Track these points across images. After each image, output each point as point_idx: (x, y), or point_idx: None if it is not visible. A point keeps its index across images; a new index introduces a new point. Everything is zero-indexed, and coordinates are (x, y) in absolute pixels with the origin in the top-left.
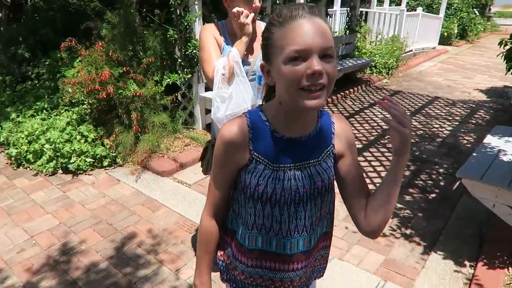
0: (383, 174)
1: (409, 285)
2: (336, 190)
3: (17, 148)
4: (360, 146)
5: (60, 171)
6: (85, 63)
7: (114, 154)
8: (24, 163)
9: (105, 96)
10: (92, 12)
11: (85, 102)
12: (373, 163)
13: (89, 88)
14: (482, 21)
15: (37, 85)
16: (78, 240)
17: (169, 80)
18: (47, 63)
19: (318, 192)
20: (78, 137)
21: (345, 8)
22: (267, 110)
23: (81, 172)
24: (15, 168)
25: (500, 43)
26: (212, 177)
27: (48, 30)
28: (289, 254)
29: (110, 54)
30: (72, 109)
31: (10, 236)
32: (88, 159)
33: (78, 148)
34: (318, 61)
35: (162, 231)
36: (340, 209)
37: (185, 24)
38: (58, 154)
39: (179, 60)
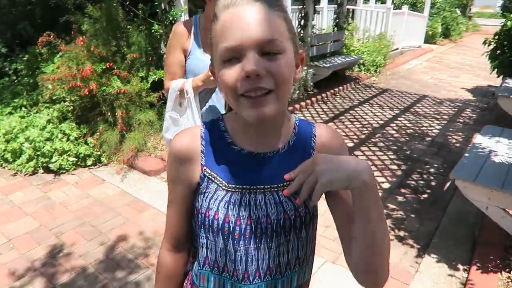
0: (375, 174)
1: None
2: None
3: None
4: (351, 145)
5: (41, 171)
6: (66, 59)
7: (98, 153)
8: (1, 162)
9: (87, 93)
10: (73, 6)
11: (66, 99)
12: None
13: (71, 85)
14: (464, 20)
15: (15, 81)
16: (60, 244)
17: (155, 76)
18: (25, 58)
19: (290, 225)
20: (60, 135)
21: (333, 6)
22: (227, 119)
23: (64, 171)
24: None
25: (484, 43)
26: (168, 198)
27: (26, 25)
28: None
29: (92, 49)
30: (53, 106)
31: None
32: (71, 158)
33: (60, 147)
34: (254, 59)
35: (150, 233)
36: (326, 207)
37: (171, 19)
38: (39, 153)
39: (165, 55)
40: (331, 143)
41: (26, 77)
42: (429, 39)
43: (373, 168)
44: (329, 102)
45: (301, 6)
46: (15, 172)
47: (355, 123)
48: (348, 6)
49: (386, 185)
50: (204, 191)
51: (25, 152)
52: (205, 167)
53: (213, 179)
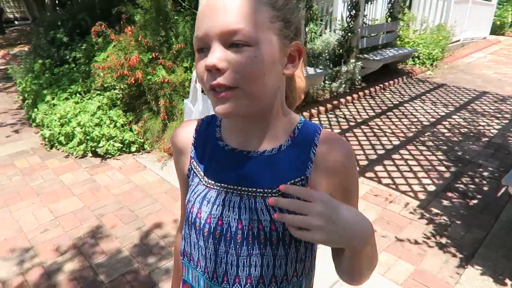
0: (420, 174)
1: None
2: None
3: (50, 130)
4: (397, 142)
5: (90, 154)
6: (115, 48)
7: (142, 140)
8: (56, 144)
9: (133, 82)
10: None
11: (116, 87)
12: (410, 162)
13: (119, 73)
14: None
15: (73, 69)
16: (99, 225)
17: None
18: (83, 47)
19: (265, 238)
20: (108, 121)
21: None
22: None
23: (109, 156)
24: (48, 149)
25: None
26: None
27: (85, 15)
28: None
29: (140, 39)
30: (104, 94)
31: (37, 215)
32: (117, 144)
33: (107, 133)
34: (218, 51)
35: None
36: (366, 207)
37: None
38: (88, 137)
39: None
40: (335, 158)
41: (83, 65)
42: (497, 29)
43: (418, 168)
44: (377, 97)
45: None
46: (67, 155)
47: (403, 119)
48: None
49: (431, 188)
50: (190, 183)
51: (76, 136)
52: (192, 160)
53: (196, 172)
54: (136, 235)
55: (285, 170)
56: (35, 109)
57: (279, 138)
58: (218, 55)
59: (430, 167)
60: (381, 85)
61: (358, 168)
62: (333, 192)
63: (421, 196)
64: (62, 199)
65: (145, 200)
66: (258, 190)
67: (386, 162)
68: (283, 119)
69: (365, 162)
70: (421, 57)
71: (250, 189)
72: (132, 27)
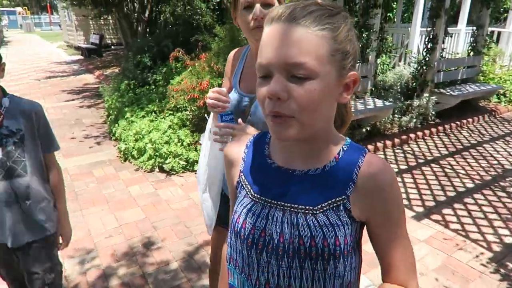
0: (496, 223)
1: None
2: None
3: (126, 144)
4: (471, 185)
5: (157, 170)
6: (189, 73)
7: None
8: (129, 158)
9: (202, 104)
10: (204, 27)
11: (187, 109)
12: (485, 208)
13: (190, 96)
14: None
15: (153, 90)
16: (156, 237)
17: None
18: (163, 71)
19: (304, 252)
20: (176, 140)
21: (471, 28)
22: None
23: (174, 173)
24: (122, 161)
25: None
26: None
27: (168, 42)
28: None
29: (212, 65)
30: (175, 114)
31: (104, 221)
32: (182, 162)
33: (174, 150)
34: (280, 81)
35: None
36: (430, 253)
37: None
38: (157, 154)
39: None
40: (376, 181)
41: (161, 86)
42: None
43: (494, 216)
44: (452, 135)
45: (430, 28)
46: (137, 168)
47: (480, 161)
48: (492, 28)
49: (509, 240)
50: (238, 195)
51: (147, 151)
52: (241, 173)
53: (244, 185)
54: (187, 250)
55: (327, 189)
56: (116, 124)
57: (324, 158)
58: (280, 85)
59: (509, 216)
60: (457, 122)
61: (423, 209)
62: (373, 215)
63: (496, 247)
64: (128, 208)
65: (201, 217)
66: (300, 207)
67: (456, 205)
68: (330, 141)
69: (432, 203)
70: (508, 95)
71: (292, 205)
72: (206, 54)
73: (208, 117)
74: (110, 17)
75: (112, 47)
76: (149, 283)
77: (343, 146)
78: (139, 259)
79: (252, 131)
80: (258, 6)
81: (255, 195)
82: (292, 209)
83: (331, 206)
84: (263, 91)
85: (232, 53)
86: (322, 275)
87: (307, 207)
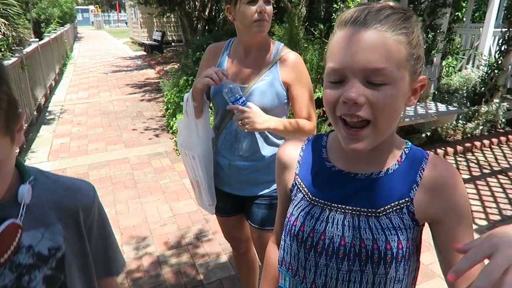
0: None
1: None
2: None
3: None
4: None
5: None
6: None
7: None
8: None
9: None
10: None
11: None
12: None
13: None
14: None
15: None
16: (207, 229)
17: (320, 93)
18: None
19: (366, 255)
20: None
21: None
22: (330, 136)
23: None
24: (178, 154)
25: None
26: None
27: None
28: None
29: None
30: None
31: (160, 210)
32: None
33: None
34: (356, 86)
35: None
36: None
37: None
38: None
39: None
40: (438, 177)
41: None
42: None
43: None
44: None
45: (506, 29)
46: None
47: None
48: None
49: None
50: (293, 198)
51: None
52: (297, 176)
53: (301, 188)
54: None
55: (390, 192)
56: (174, 118)
57: (387, 162)
58: (357, 90)
59: None
60: None
61: (487, 223)
62: (443, 216)
63: None
64: (182, 199)
65: None
66: (363, 210)
67: None
68: (393, 144)
69: (498, 217)
70: None
71: (354, 208)
72: None
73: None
74: (172, 15)
75: (173, 43)
76: (200, 273)
77: (405, 149)
78: (191, 249)
79: (258, 112)
80: (261, 0)
81: (314, 198)
82: (354, 212)
83: (395, 208)
84: (335, 94)
85: (209, 48)
86: (383, 279)
87: (370, 210)
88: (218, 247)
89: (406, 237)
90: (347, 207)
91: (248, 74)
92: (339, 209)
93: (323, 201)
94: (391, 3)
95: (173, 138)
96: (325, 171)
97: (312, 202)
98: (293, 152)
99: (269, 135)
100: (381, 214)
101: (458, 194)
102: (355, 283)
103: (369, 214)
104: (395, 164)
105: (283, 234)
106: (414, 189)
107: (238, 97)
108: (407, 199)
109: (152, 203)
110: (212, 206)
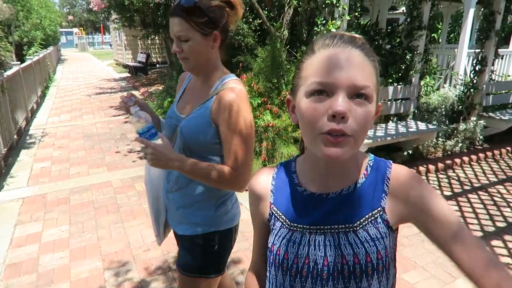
0: None
1: None
2: None
3: None
4: None
5: None
6: None
7: None
8: None
9: None
10: (246, 48)
11: None
12: None
13: None
14: None
15: None
16: None
17: None
18: None
19: (348, 271)
20: None
21: None
22: (298, 161)
23: None
24: None
25: None
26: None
27: None
28: None
29: (252, 85)
30: None
31: (143, 235)
32: None
33: None
34: (344, 100)
35: None
36: None
37: None
38: None
39: None
40: (404, 182)
41: None
42: None
43: None
44: (502, 161)
45: (479, 50)
46: None
47: None
48: None
49: None
50: (272, 227)
51: None
52: (272, 205)
53: (278, 217)
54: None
55: (363, 204)
56: None
57: (354, 176)
58: (345, 105)
59: None
60: (508, 148)
61: None
62: (416, 216)
63: None
64: None
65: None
66: (340, 227)
67: (507, 237)
68: (358, 158)
69: (480, 234)
70: None
71: (332, 226)
72: (247, 74)
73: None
74: (156, 37)
75: (157, 65)
76: None
77: (369, 162)
78: (173, 275)
79: (165, 148)
80: (176, 41)
81: (292, 223)
82: (333, 230)
83: (369, 220)
84: (319, 108)
85: (181, 75)
86: None
87: (347, 225)
88: None
89: (384, 246)
90: (326, 227)
91: (188, 105)
92: (318, 231)
93: (301, 226)
94: (358, 35)
95: None
96: (298, 196)
97: (292, 228)
98: (264, 182)
99: None
100: (358, 228)
101: (423, 189)
102: None
103: (347, 230)
104: (362, 178)
105: (268, 265)
106: (384, 198)
107: (146, 129)
108: (379, 209)
109: (136, 228)
110: (158, 237)
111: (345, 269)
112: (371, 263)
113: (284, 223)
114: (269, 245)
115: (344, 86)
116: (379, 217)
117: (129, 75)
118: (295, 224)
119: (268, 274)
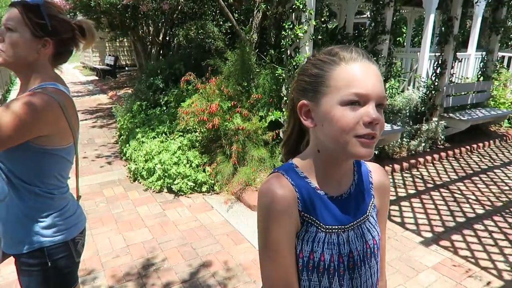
0: (507, 251)
1: None
2: None
3: (136, 164)
4: (481, 211)
5: (165, 190)
6: (199, 95)
7: (212, 181)
8: (139, 178)
9: (211, 127)
10: (215, 51)
11: (197, 130)
12: (495, 235)
13: (199, 118)
14: None
15: (164, 111)
16: (162, 258)
17: (272, 116)
18: (174, 92)
19: (371, 252)
20: (185, 161)
21: (480, 52)
22: (301, 164)
23: (182, 194)
24: (131, 181)
25: None
26: (269, 254)
27: (180, 65)
28: None
29: (222, 88)
30: (185, 135)
31: (112, 241)
32: (190, 183)
33: (183, 171)
34: (375, 109)
35: (238, 266)
36: (438, 279)
37: (294, 64)
38: (166, 174)
39: (285, 98)
40: (382, 179)
41: (172, 108)
42: None
43: (506, 244)
44: (462, 159)
45: (439, 54)
46: (146, 188)
47: (491, 186)
48: (502, 53)
49: None
50: (303, 234)
51: (156, 172)
52: (302, 212)
53: (312, 222)
54: (193, 272)
55: (365, 197)
56: (127, 145)
57: (351, 176)
58: (378, 113)
59: None
60: (467, 147)
61: (431, 235)
62: (383, 202)
63: (507, 276)
64: (136, 228)
65: (208, 239)
66: (361, 219)
67: (466, 231)
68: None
69: (441, 229)
70: None
71: (357, 220)
72: (217, 77)
73: None
74: (125, 40)
75: (126, 68)
76: None
77: (353, 162)
78: (144, 281)
79: None
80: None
81: (328, 226)
82: (358, 223)
83: (371, 207)
84: (357, 115)
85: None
86: (375, 268)
87: (364, 216)
88: (173, 276)
89: (378, 229)
90: (354, 223)
91: None
92: (349, 228)
93: (336, 226)
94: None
95: (126, 165)
96: (323, 199)
97: (328, 231)
98: (288, 193)
99: (15, 180)
100: (369, 215)
101: (389, 189)
102: (369, 279)
103: (365, 219)
104: (355, 175)
105: (305, 275)
106: (372, 189)
107: None
108: (372, 197)
109: (104, 234)
110: None
111: (368, 252)
112: (377, 244)
113: (320, 227)
114: (304, 253)
115: (375, 97)
116: (373, 204)
117: (96, 78)
118: (330, 226)
119: (305, 283)
